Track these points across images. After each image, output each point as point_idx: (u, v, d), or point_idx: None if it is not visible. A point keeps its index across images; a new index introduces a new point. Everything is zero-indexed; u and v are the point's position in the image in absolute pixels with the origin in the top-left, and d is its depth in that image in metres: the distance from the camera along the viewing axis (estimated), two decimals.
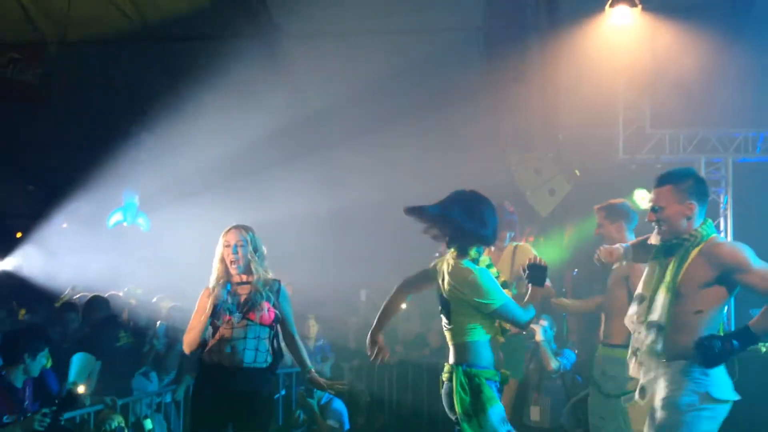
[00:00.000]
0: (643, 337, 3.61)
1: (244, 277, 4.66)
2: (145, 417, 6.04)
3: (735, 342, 3.40)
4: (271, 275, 4.74)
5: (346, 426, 7.18)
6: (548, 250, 6.36)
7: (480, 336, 3.67)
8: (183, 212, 9.86)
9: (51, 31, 10.36)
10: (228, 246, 4.63)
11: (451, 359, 3.74)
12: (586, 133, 9.67)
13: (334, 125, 10.60)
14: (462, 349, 3.69)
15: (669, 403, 3.45)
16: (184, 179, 10.17)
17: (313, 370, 4.85)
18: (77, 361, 5.68)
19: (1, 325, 8.48)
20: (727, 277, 3.48)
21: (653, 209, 3.66)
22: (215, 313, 4.55)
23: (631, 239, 4.75)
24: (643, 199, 9.16)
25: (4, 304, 9.81)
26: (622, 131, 9.57)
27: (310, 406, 7.06)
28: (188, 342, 4.59)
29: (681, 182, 3.62)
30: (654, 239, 3.71)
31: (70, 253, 10.19)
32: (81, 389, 5.35)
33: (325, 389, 4.97)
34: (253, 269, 4.64)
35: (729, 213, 9.85)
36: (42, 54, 10.25)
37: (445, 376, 3.76)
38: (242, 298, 4.63)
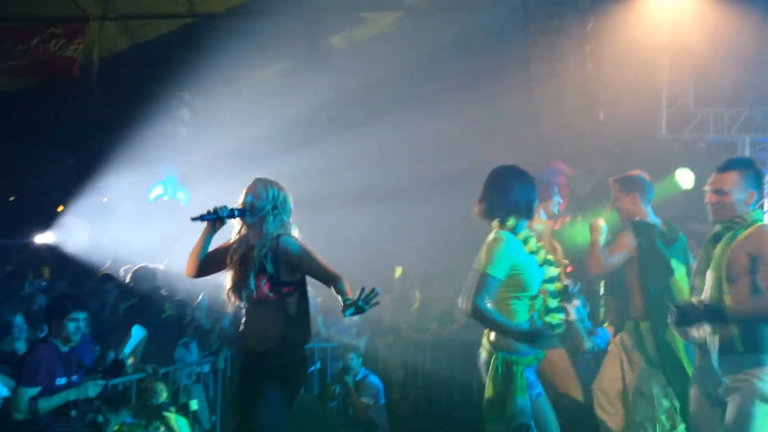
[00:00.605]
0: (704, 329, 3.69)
1: (252, 240, 4.12)
2: (191, 398, 6.11)
3: (705, 315, 3.57)
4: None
5: (381, 401, 7.22)
6: (585, 231, 6.27)
7: (518, 317, 3.64)
8: (222, 187, 9.91)
9: (93, 8, 10.49)
10: (243, 196, 4.16)
11: (492, 338, 3.70)
12: (628, 111, 9.52)
13: (375, 102, 10.57)
14: None
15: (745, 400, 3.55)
16: (223, 155, 10.22)
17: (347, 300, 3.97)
18: (137, 333, 5.73)
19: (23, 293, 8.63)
20: (755, 266, 3.54)
21: (716, 191, 3.71)
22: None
23: (647, 211, 4.82)
24: (685, 179, 9.00)
25: (24, 274, 10.01)
26: (665, 109, 9.40)
27: (346, 383, 7.11)
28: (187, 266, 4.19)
29: (746, 170, 3.74)
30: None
31: (110, 226, 10.35)
32: (131, 360, 5.47)
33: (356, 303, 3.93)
34: (264, 229, 4.08)
35: None
36: (84, 30, 10.37)
37: (484, 353, 3.73)
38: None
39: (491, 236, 3.69)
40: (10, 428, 4.58)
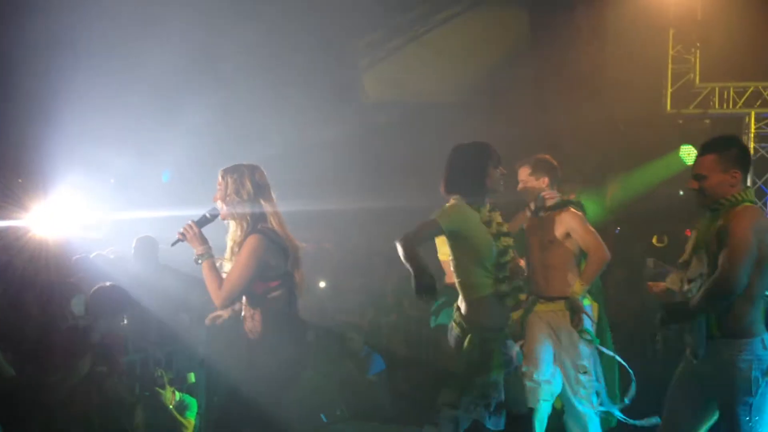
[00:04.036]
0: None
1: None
2: (189, 371, 6.12)
3: (667, 316, 3.52)
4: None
5: (384, 378, 7.26)
6: (590, 208, 6.24)
7: (481, 290, 3.63)
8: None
9: None
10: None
11: (464, 312, 3.69)
12: (633, 87, 9.46)
13: (373, 79, 10.51)
14: (472, 307, 3.66)
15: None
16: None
17: None
18: None
19: None
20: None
21: (696, 177, 3.59)
22: None
23: (555, 194, 4.73)
24: (689, 155, 8.97)
25: None
26: (670, 85, 9.36)
27: (349, 360, 7.14)
28: None
29: (725, 151, 3.55)
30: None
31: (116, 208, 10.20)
32: None
33: None
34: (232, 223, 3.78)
35: None
36: None
37: (456, 328, 3.71)
38: None
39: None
40: None
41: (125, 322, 5.44)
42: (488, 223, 3.69)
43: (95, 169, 8.27)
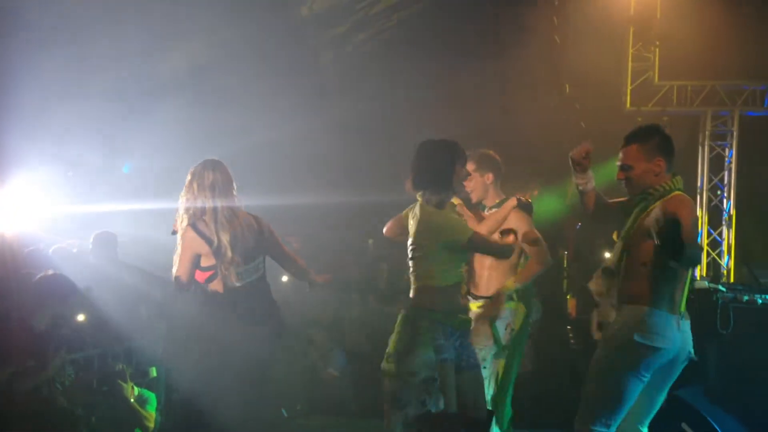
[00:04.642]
0: (599, 282, 3.74)
1: None
2: (151, 365, 6.05)
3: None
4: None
5: (346, 373, 7.26)
6: (551, 204, 6.30)
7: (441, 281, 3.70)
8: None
9: None
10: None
11: (412, 293, 3.77)
12: (593, 84, 9.58)
13: (340, 74, 10.46)
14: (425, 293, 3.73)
15: (607, 340, 3.63)
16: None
17: None
18: None
19: None
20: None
21: (621, 168, 3.70)
22: None
23: (499, 192, 4.69)
24: None
25: None
26: (629, 82, 9.48)
27: (312, 355, 7.13)
28: None
29: (648, 140, 3.66)
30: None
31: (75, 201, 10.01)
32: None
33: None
34: None
35: (733, 167, 9.82)
36: None
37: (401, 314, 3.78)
38: None
39: (419, 209, 3.72)
40: None
41: (82, 317, 5.37)
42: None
43: (51, 161, 8.13)
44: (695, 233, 3.51)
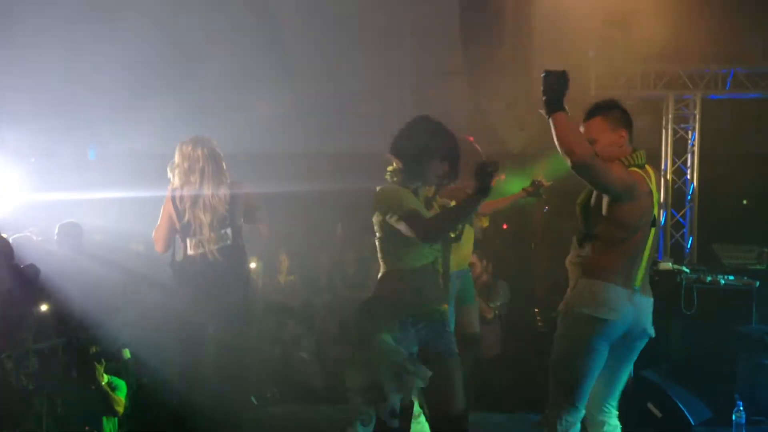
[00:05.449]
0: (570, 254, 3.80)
1: None
2: (123, 347, 6.01)
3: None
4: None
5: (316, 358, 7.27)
6: (518, 188, 6.37)
7: (423, 259, 3.64)
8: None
9: None
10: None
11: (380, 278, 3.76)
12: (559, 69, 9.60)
13: (305, 53, 10.36)
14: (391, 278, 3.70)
15: (563, 316, 3.69)
16: None
17: None
18: None
19: None
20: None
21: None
22: None
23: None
24: None
25: None
26: (594, 67, 9.54)
27: (282, 340, 7.12)
28: None
29: (610, 112, 3.71)
30: None
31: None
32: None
33: None
34: None
35: (696, 150, 9.96)
36: None
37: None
38: None
39: (381, 187, 3.63)
40: None
41: (45, 307, 5.32)
42: (420, 198, 3.65)
43: (13, 149, 7.99)
44: (620, 181, 3.49)
